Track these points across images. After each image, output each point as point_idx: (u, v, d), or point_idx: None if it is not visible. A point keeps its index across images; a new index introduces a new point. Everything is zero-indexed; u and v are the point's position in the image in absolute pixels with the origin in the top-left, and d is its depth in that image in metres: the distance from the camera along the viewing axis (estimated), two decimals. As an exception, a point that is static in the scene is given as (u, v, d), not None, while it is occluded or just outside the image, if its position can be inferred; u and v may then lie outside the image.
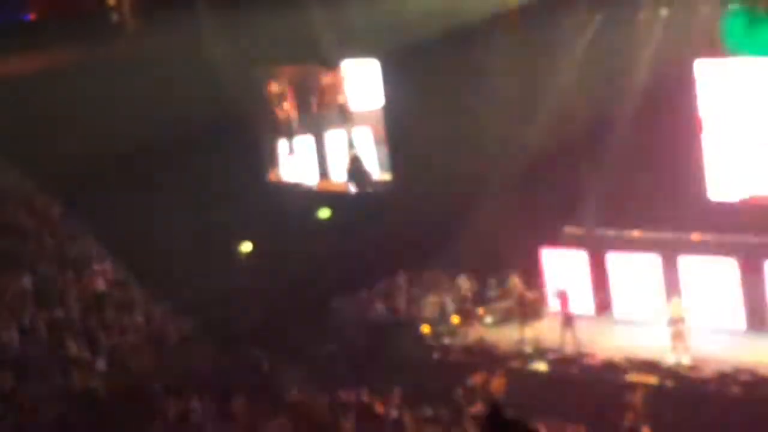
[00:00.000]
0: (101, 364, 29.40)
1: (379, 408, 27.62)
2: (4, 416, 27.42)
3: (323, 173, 37.87)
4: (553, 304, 30.75)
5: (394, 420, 27.25)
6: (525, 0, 31.22)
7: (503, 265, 32.17)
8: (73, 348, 29.65)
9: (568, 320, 29.34)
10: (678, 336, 27.57)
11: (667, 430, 25.67)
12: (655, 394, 26.46)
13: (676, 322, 27.74)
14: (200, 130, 32.83)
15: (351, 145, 37.20)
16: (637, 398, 26.15)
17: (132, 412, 27.56)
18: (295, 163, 38.32)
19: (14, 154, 33.93)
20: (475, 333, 31.19)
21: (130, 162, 32.38)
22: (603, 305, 30.71)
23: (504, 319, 31.30)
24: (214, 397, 28.13)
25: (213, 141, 33.66)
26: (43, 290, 31.22)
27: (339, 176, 37.43)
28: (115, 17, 38.50)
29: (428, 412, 27.85)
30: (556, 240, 31.56)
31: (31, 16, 38.75)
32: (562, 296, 29.75)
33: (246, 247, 35.42)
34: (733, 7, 28.15)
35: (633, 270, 30.27)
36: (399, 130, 34.67)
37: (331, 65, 36.33)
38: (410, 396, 28.10)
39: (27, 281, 31.17)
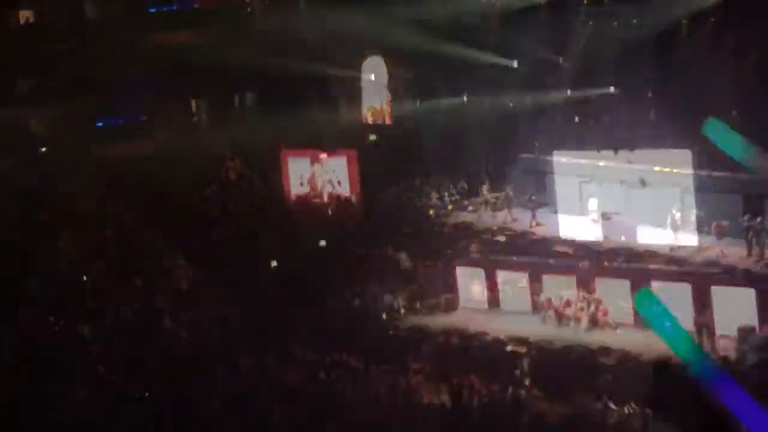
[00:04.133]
0: (184, 335, 29.59)
1: (353, 363, 27.89)
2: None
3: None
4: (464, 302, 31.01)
5: (363, 371, 27.59)
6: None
7: (434, 277, 31.94)
8: (167, 323, 29.93)
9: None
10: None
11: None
12: (521, 358, 26.70)
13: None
14: (247, 187, 33.95)
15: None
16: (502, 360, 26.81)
17: (202, 366, 27.51)
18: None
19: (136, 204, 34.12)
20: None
21: (202, 205, 33.04)
22: (493, 302, 30.53)
23: (433, 310, 31.10)
24: (253, 355, 28.18)
25: (254, 194, 34.43)
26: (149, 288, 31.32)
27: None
28: (248, 9, 38.94)
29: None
30: (465, 262, 31.25)
31: (197, 5, 39.15)
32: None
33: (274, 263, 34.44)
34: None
35: (512, 280, 30.17)
36: (371, 192, 35.13)
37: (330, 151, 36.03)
38: (373, 356, 28.27)
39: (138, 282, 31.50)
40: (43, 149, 35.37)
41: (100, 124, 37.86)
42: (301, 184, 37.48)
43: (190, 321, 30.61)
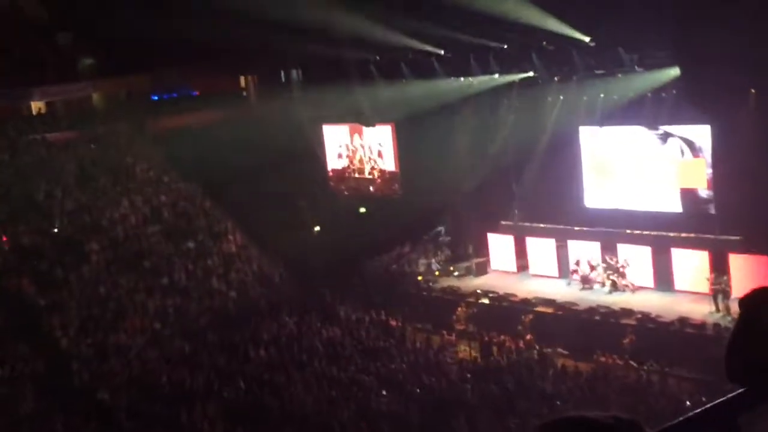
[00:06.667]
0: (233, 294, 30.13)
1: (391, 322, 28.33)
2: (173, 324, 27.92)
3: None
4: (494, 265, 31.56)
5: (400, 329, 28.03)
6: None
7: (467, 242, 32.60)
8: (216, 283, 30.14)
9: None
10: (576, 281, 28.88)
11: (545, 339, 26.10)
12: (548, 318, 27.06)
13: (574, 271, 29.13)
14: (291, 158, 33.52)
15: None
16: (528, 319, 26.80)
17: (249, 322, 27.96)
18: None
19: (190, 173, 34.16)
20: (448, 281, 31.21)
21: (250, 174, 32.58)
22: (522, 267, 31.05)
23: (466, 273, 31.54)
24: (297, 314, 28.59)
25: (297, 166, 34.12)
26: (200, 250, 31.64)
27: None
28: (244, 93, 39.27)
29: (419, 325, 28.64)
30: (496, 229, 31.78)
31: (197, 93, 38.96)
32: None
33: (317, 228, 34.98)
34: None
35: (540, 246, 30.62)
36: (408, 164, 34.59)
37: (369, 124, 35.58)
38: (409, 316, 28.90)
39: (191, 245, 31.67)
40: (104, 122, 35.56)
41: (155, 98, 37.98)
42: (340, 157, 37.06)
43: (239, 281, 30.82)
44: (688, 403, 21.47)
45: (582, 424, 2.09)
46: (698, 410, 2.16)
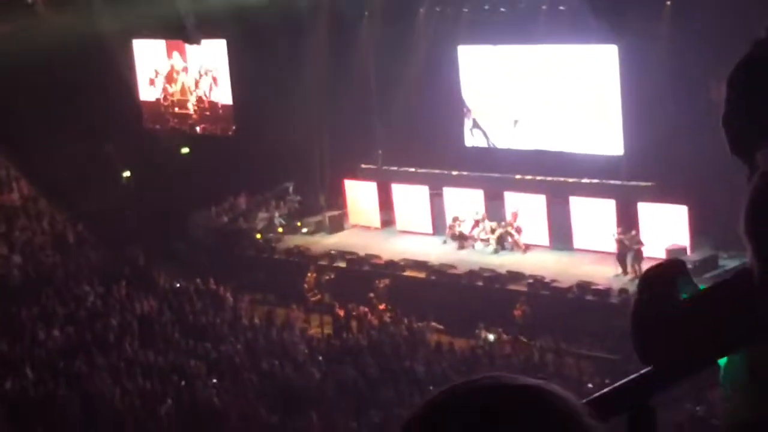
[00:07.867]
0: (17, 258, 29.60)
1: (223, 292, 28.10)
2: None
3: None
4: (353, 219, 31.83)
5: (233, 301, 27.84)
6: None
7: (318, 191, 32.73)
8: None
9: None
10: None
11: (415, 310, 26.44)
12: (419, 284, 27.57)
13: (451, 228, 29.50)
14: (93, 86, 32.80)
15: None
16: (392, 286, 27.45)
17: (39, 295, 27.52)
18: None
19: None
20: (294, 240, 31.44)
21: (38, 106, 32.10)
22: (387, 221, 31.37)
23: (317, 230, 31.83)
24: (101, 283, 28.27)
25: (101, 96, 33.15)
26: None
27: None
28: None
29: (258, 295, 28.88)
30: (354, 174, 32.01)
31: None
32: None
33: (126, 173, 34.55)
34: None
35: (410, 195, 30.93)
36: (245, 93, 34.06)
37: (193, 41, 34.28)
38: (246, 284, 28.94)
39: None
40: None
41: None
42: (152, 84, 36.58)
43: (25, 242, 30.49)
44: (590, 385, 22.02)
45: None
46: (605, 390, 2.17)
